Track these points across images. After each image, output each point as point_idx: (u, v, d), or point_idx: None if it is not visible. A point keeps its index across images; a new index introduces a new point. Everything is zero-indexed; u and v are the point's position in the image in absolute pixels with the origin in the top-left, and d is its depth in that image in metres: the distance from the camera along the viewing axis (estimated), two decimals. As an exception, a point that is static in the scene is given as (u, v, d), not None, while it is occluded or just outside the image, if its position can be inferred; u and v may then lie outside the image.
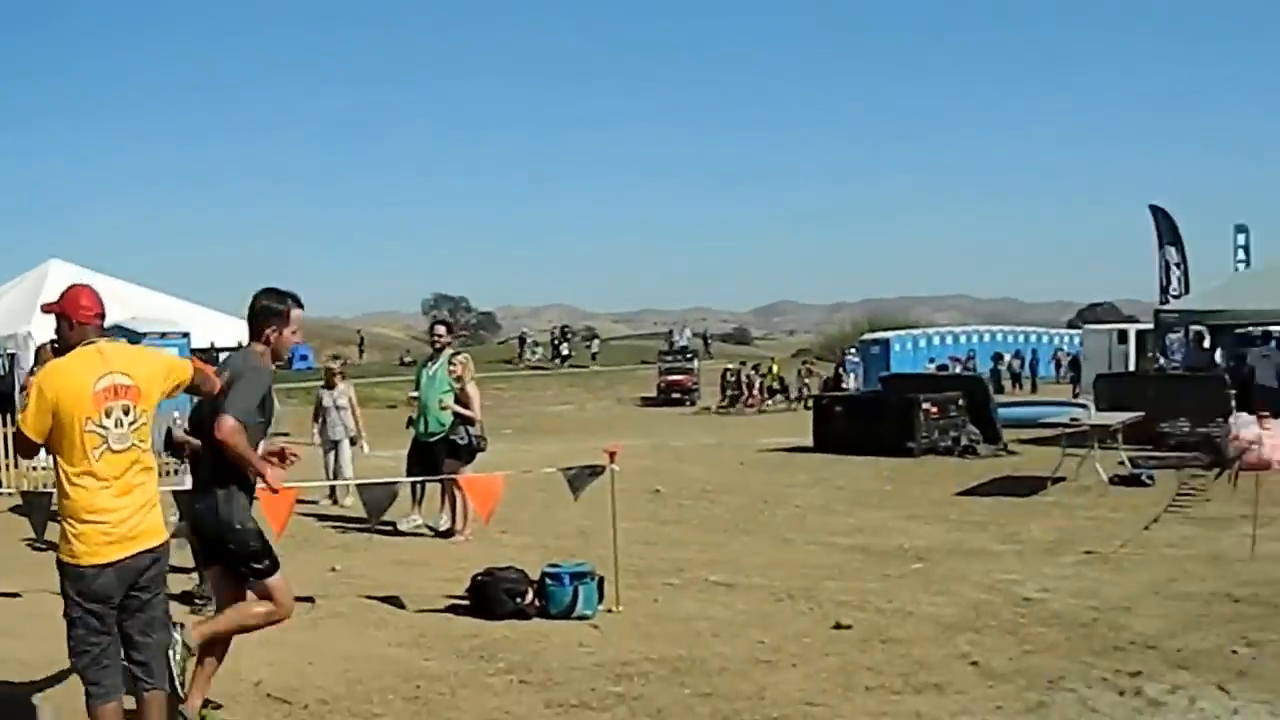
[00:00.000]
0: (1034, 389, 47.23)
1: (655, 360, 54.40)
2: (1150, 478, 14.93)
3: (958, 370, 42.58)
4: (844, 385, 40.57)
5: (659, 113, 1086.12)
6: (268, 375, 5.88)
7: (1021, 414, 22.81)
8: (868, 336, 55.23)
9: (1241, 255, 33.51)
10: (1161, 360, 25.60)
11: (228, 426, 5.46)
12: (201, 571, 7.54)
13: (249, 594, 5.87)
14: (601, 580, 8.33)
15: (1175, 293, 29.55)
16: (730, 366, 44.87)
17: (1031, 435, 19.87)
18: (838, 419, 21.19)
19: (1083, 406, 17.58)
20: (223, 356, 10.42)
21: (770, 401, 42.17)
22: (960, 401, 20.22)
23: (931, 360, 46.74)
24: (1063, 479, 14.91)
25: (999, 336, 59.32)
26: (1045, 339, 63.34)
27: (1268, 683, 6.22)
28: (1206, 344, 24.87)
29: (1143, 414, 17.11)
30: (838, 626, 7.66)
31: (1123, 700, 6.00)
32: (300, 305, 5.98)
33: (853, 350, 49.77)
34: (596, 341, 76.02)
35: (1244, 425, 16.37)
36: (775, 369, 45.94)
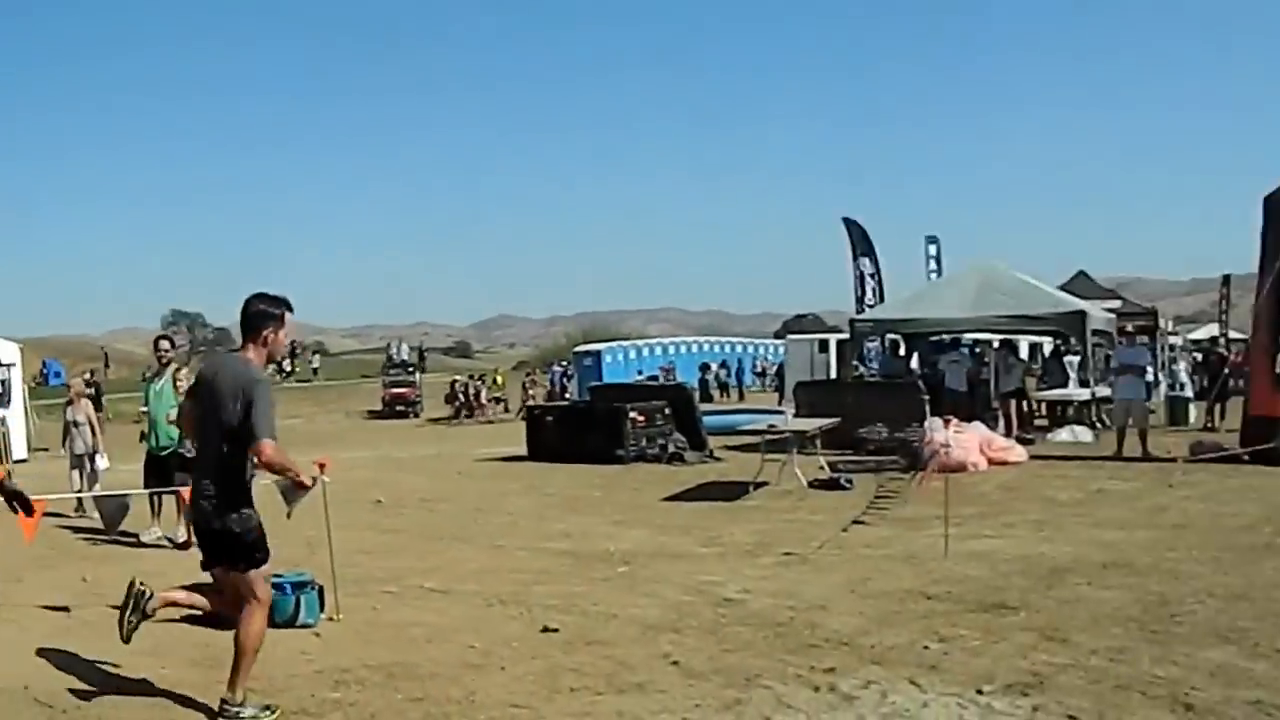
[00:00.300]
0: (741, 397, 48.50)
1: (379, 375, 55.51)
2: (849, 481, 15.38)
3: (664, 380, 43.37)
4: (567, 395, 41.31)
5: (378, 128, 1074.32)
6: (268, 385, 6.09)
7: (725, 422, 23.23)
8: (580, 348, 55.74)
9: (933, 265, 34.94)
10: (860, 368, 26.49)
11: (270, 450, 5.74)
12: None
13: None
14: (322, 589, 8.30)
15: (870, 302, 30.63)
16: (458, 379, 45.68)
17: (738, 442, 20.25)
18: (549, 429, 21.33)
19: (781, 414, 17.98)
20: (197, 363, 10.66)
21: (494, 412, 42.76)
22: (666, 410, 20.51)
23: (640, 371, 47.41)
24: (765, 484, 15.23)
25: (707, 347, 60.56)
26: (752, 349, 65.09)
27: (957, 675, 6.41)
28: (902, 351, 25.80)
29: (839, 419, 17.63)
30: (546, 630, 7.68)
31: (817, 696, 6.10)
32: (291, 309, 6.21)
33: (565, 362, 50.29)
34: (317, 357, 76.65)
35: (937, 429, 17.02)
36: (500, 380, 46.68)
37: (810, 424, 17.00)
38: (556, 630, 7.66)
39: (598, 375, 45.15)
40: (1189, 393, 27.79)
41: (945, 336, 25.13)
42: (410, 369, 53.73)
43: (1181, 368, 29.84)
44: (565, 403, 36.63)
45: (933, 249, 35.54)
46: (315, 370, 69.93)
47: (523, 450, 21.41)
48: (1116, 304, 33.19)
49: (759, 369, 58.96)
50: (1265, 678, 6.27)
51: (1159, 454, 18.07)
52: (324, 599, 8.33)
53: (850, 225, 32.47)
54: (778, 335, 74.53)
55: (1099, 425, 22.75)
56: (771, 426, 16.37)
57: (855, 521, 12.36)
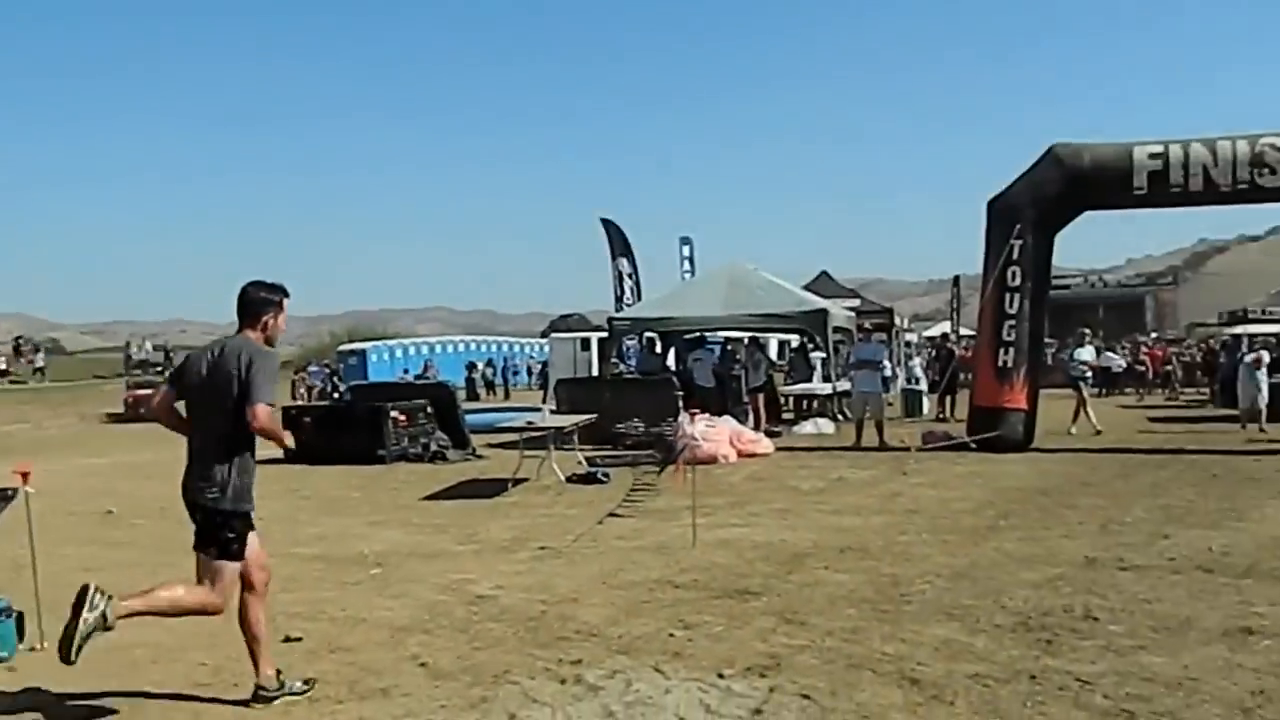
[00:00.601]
0: (507, 395, 48.19)
1: (119, 375, 51.47)
2: (606, 475, 15.39)
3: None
4: (336, 395, 40.20)
5: (121, 114, 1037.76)
6: (276, 357, 6.15)
7: (487, 420, 23.03)
8: (344, 348, 54.83)
9: (687, 266, 35.29)
10: (620, 365, 26.60)
11: (265, 414, 5.75)
12: None
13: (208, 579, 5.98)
14: (21, 616, 7.30)
15: (629, 301, 30.68)
16: None
17: (501, 440, 20.07)
18: (308, 430, 20.63)
19: (537, 410, 17.92)
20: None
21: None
22: (429, 409, 20.23)
23: (406, 370, 46.89)
24: (525, 480, 15.11)
25: (474, 346, 60.21)
26: (518, 348, 64.96)
27: (699, 661, 6.41)
28: (658, 349, 25.98)
29: (596, 415, 17.63)
30: (288, 639, 7.22)
31: (563, 688, 6.01)
32: (288, 295, 6.24)
33: (325, 362, 49.38)
34: (41, 355, 67.61)
35: (689, 423, 17.15)
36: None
37: (567, 420, 16.98)
38: (299, 639, 7.25)
39: (363, 374, 44.52)
40: (923, 386, 28.64)
41: (702, 334, 25.40)
42: (156, 368, 49.54)
43: (917, 363, 30.77)
44: (324, 403, 35.72)
45: (686, 250, 35.90)
46: (40, 370, 61.50)
47: (278, 452, 20.56)
48: (856, 303, 34.03)
49: (529, 367, 58.87)
50: (984, 651, 6.44)
51: (894, 444, 18.59)
52: (23, 627, 7.24)
53: (609, 226, 32.51)
54: (544, 334, 74.63)
55: (840, 417, 23.30)
56: (530, 424, 16.26)
57: (610, 514, 12.34)
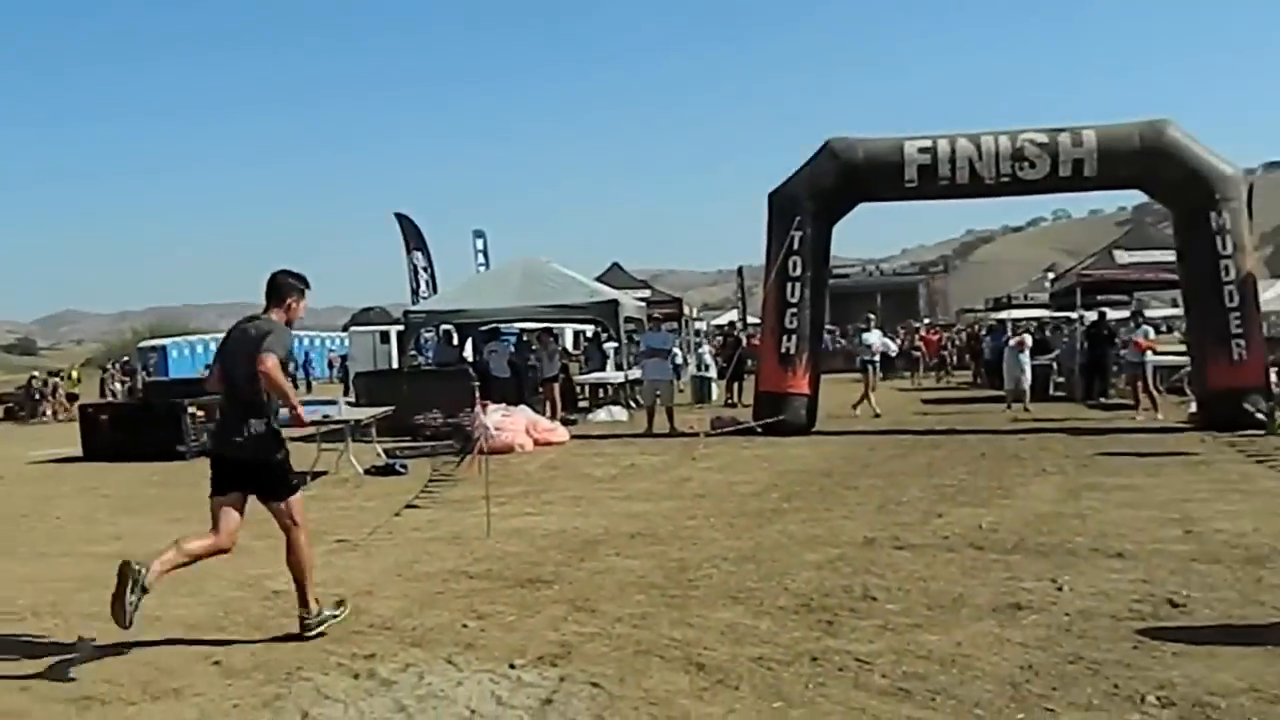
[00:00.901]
0: (309, 389, 47.24)
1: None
2: (404, 467, 15.17)
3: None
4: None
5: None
6: (290, 332, 6.97)
7: (283, 414, 22.44)
8: (145, 344, 53.18)
9: (481, 259, 35.03)
10: (419, 357, 26.26)
11: (271, 361, 6.43)
12: None
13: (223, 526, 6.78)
14: None
15: (425, 294, 30.35)
16: (36, 374, 41.87)
17: (300, 433, 19.49)
18: (105, 427, 19.86)
19: (333, 403, 17.51)
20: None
21: (72, 410, 39.86)
22: (227, 404, 19.62)
23: (208, 366, 45.63)
24: (324, 473, 14.81)
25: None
26: (319, 341, 63.79)
27: (491, 652, 6.30)
28: (455, 341, 25.69)
29: (393, 407, 17.32)
30: (80, 640, 6.87)
31: (356, 683, 5.84)
32: (310, 287, 7.15)
33: (126, 359, 47.83)
34: None
35: (489, 413, 16.98)
36: (75, 375, 43.43)
37: (363, 413, 16.67)
38: (93, 639, 6.87)
39: (164, 370, 43.28)
40: (712, 373, 28.92)
41: (500, 326, 25.20)
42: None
43: (706, 350, 31.09)
44: (120, 400, 34.57)
45: (480, 243, 35.63)
46: None
47: (79, 450, 19.83)
48: (647, 293, 34.19)
49: (330, 361, 57.83)
50: (768, 634, 6.46)
51: (685, 429, 18.70)
52: None
53: (403, 220, 32.07)
54: (346, 328, 73.46)
55: (633, 405, 23.37)
56: (325, 417, 15.88)
57: (408, 506, 12.17)
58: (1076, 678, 5.50)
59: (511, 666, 5.99)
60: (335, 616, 6.96)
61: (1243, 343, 17.35)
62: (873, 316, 25.09)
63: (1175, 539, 8.92)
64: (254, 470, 6.74)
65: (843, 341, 50.99)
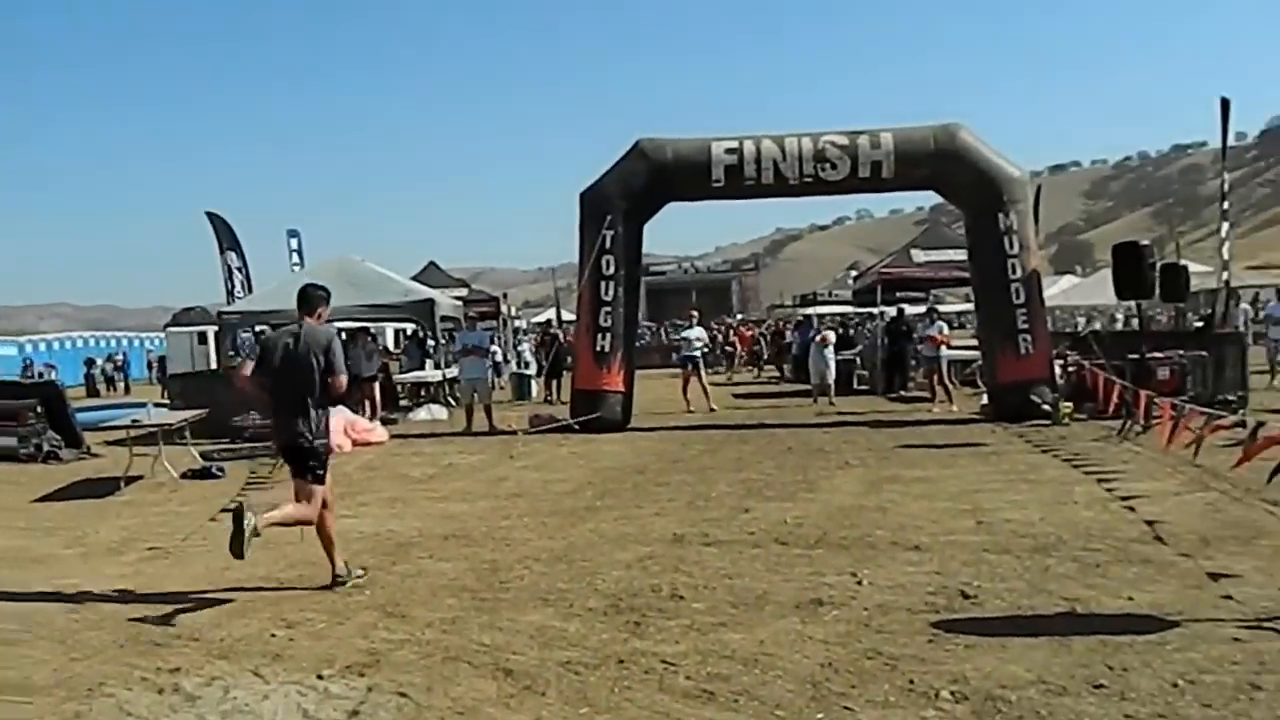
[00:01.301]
0: (128, 390, 45.70)
1: None
2: (221, 470, 14.71)
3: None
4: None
5: None
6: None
7: (98, 417, 21.57)
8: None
9: (296, 258, 34.27)
10: (238, 359, 25.54)
11: (343, 382, 7.89)
12: None
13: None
14: None
15: (240, 294, 29.50)
16: None
17: (118, 437, 18.85)
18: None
19: (141, 406, 16.90)
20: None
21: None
22: (38, 408, 18.77)
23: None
24: (139, 478, 14.23)
25: (94, 342, 57.03)
26: (138, 342, 61.90)
27: (299, 662, 6.11)
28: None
29: (206, 410, 16.76)
30: None
31: (160, 699, 5.59)
32: (330, 294, 8.47)
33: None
34: None
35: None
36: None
37: (175, 416, 16.13)
38: None
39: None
40: (533, 370, 28.80)
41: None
42: None
43: (526, 348, 30.93)
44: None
45: (294, 242, 34.84)
46: None
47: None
48: (463, 292, 33.86)
49: (150, 362, 56.08)
50: (576, 637, 6.39)
51: (503, 428, 18.53)
52: None
53: (214, 219, 31.11)
54: (167, 328, 71.42)
55: (452, 403, 23.10)
56: (135, 421, 15.28)
57: (223, 510, 11.69)
58: (874, 674, 5.54)
59: (319, 677, 5.80)
60: (360, 575, 8.09)
61: (1029, 337, 17.86)
62: (696, 313, 25.18)
63: (968, 530, 9.12)
64: (306, 455, 7.80)
65: (661, 337, 51.44)
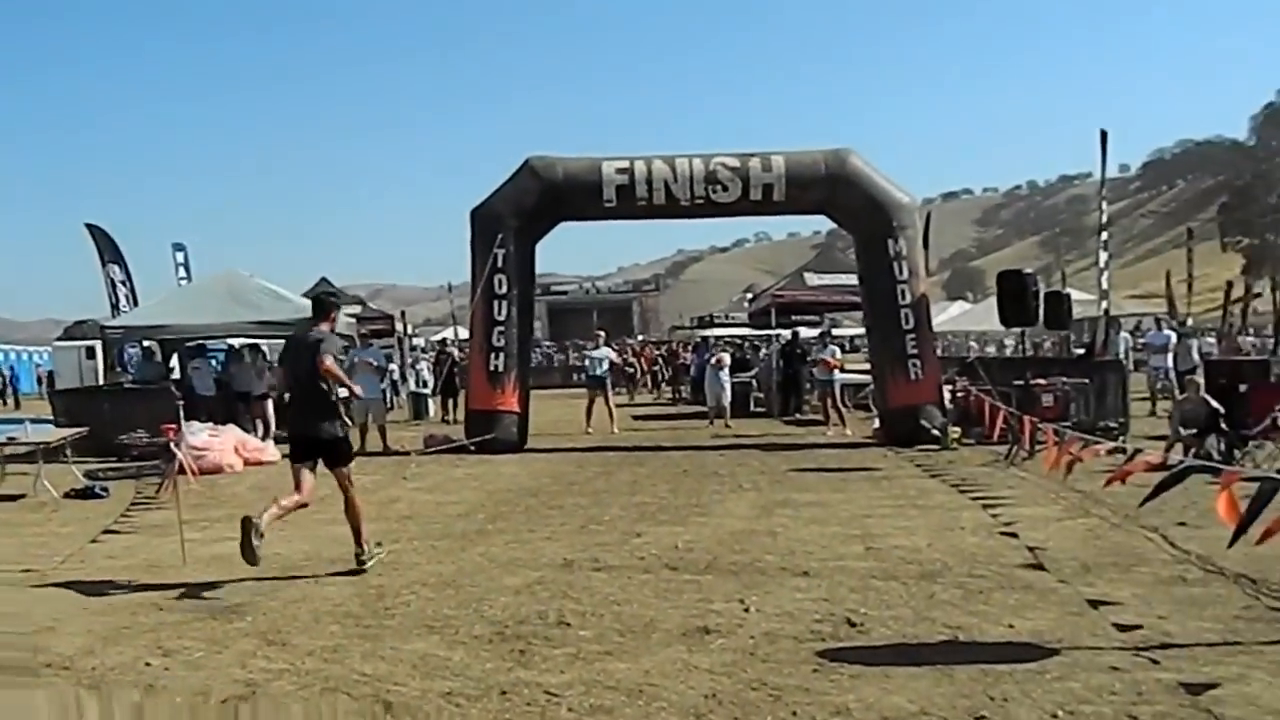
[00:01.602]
0: (18, 405, 44.52)
1: None
2: (105, 489, 14.26)
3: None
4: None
5: None
6: (338, 340, 9.39)
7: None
8: None
9: (183, 272, 33.52)
10: (125, 375, 24.92)
11: (329, 359, 8.71)
12: None
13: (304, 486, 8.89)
14: None
15: (125, 308, 28.75)
16: None
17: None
18: None
19: (19, 423, 16.38)
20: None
21: None
22: (-86, 426, 18.16)
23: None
24: (21, 496, 13.79)
25: (-21, 355, 55.65)
26: (26, 356, 60.45)
27: (174, 693, 5.85)
28: (159, 357, 24.37)
29: (86, 428, 16.29)
30: None
31: (22, 734, 5.30)
32: (340, 299, 11.29)
33: None
34: None
35: (193, 432, 16.20)
36: None
37: (55, 433, 15.64)
38: None
39: None
40: (430, 389, 28.49)
41: (205, 343, 24.04)
42: None
43: (424, 367, 30.54)
44: None
45: (180, 256, 34.05)
46: None
47: None
48: (358, 309, 33.41)
49: (39, 376, 54.79)
50: (460, 666, 6.21)
51: (397, 448, 18.27)
52: None
53: (95, 231, 30.25)
54: (56, 342, 69.82)
55: (349, 422, 22.68)
56: (10, 439, 14.79)
57: (106, 531, 11.41)
58: (758, 705, 5.44)
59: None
60: (380, 552, 9.20)
61: (918, 362, 18.03)
62: (603, 333, 25.05)
63: (856, 555, 9.10)
64: (325, 445, 8.93)
65: (565, 357, 51.26)
